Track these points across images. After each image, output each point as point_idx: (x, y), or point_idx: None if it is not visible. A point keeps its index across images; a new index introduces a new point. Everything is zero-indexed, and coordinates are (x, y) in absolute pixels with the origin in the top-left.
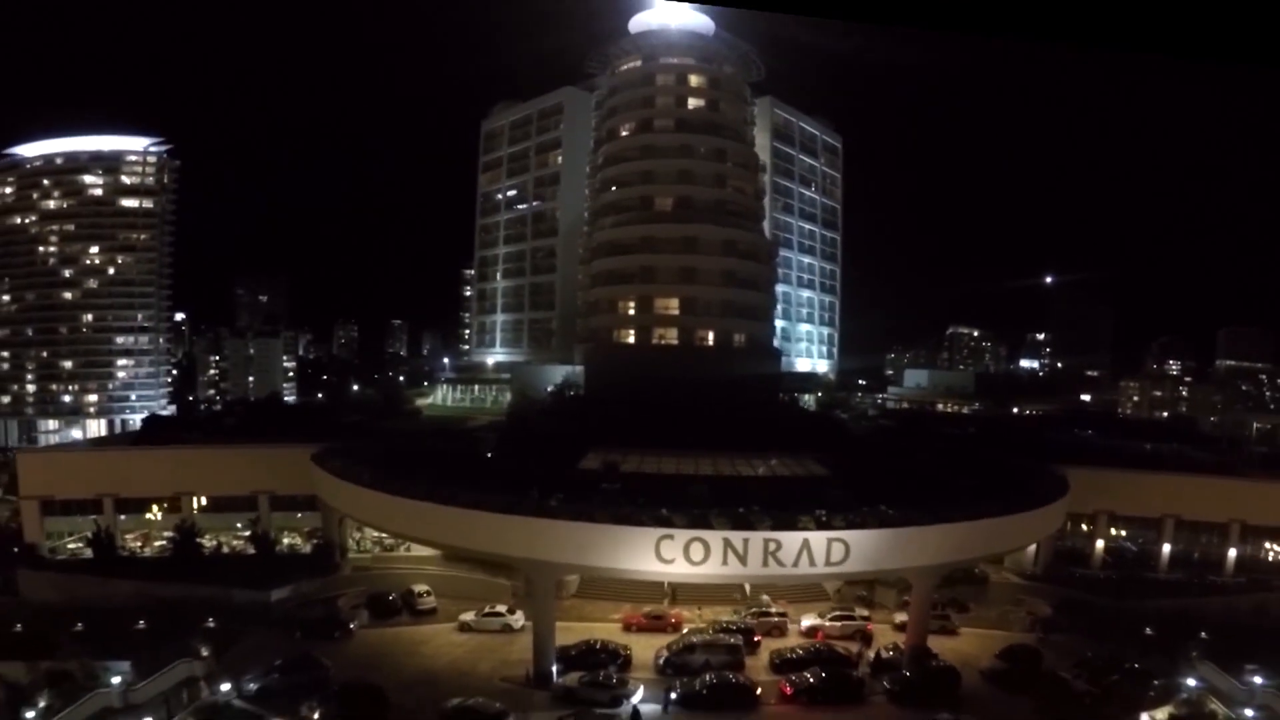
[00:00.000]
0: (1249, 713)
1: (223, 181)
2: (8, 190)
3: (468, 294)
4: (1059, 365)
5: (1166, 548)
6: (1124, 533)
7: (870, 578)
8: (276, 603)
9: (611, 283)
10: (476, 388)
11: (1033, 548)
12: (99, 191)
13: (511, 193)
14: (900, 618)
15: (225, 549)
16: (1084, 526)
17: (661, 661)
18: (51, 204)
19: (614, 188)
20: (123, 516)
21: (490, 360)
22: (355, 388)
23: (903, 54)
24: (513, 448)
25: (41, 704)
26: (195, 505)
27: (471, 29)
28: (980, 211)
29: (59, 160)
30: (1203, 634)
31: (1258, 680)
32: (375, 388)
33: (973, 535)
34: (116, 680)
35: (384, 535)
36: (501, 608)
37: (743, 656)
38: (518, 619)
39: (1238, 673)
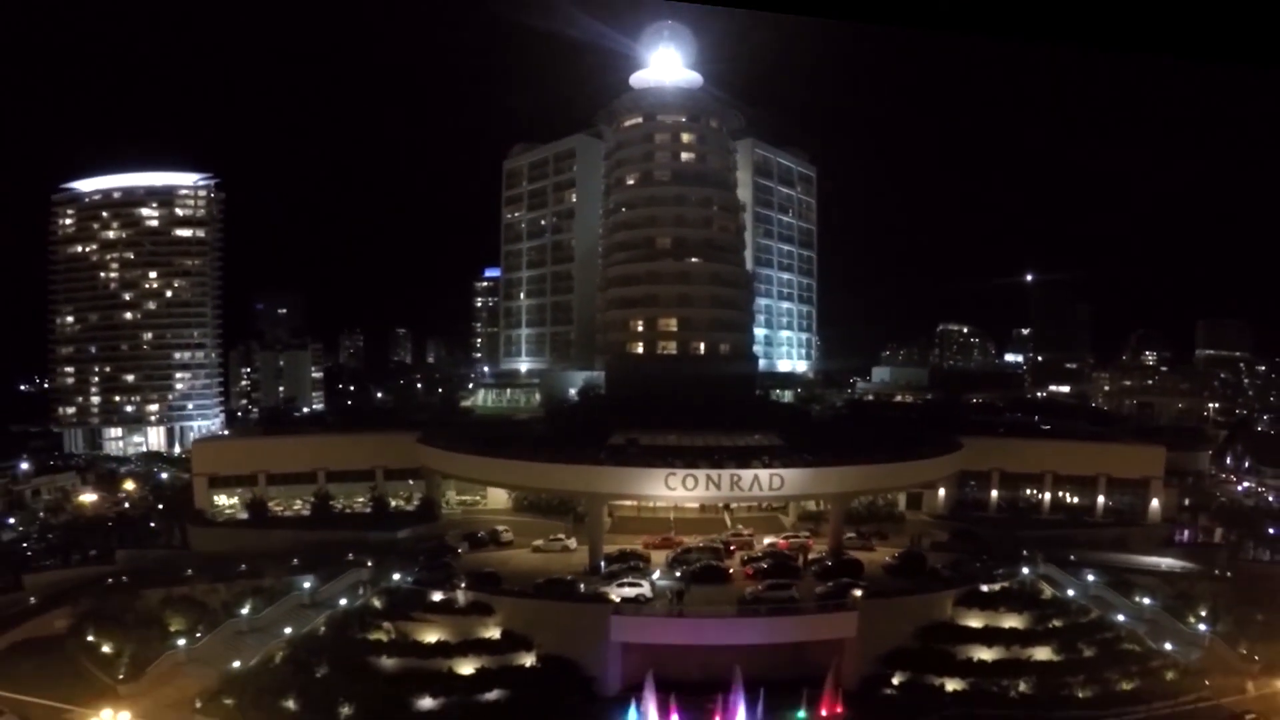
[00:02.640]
0: (1071, 592)
1: (243, 201)
2: (68, 221)
3: (478, 305)
4: (1039, 359)
5: (1047, 496)
6: (1026, 489)
7: (802, 499)
8: (401, 540)
9: (624, 307)
10: (509, 391)
11: (942, 495)
12: (155, 223)
13: (533, 224)
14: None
15: (349, 510)
16: (981, 481)
17: (669, 560)
18: (111, 234)
19: (623, 229)
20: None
21: (522, 368)
22: (379, 395)
23: (883, 58)
24: (559, 431)
25: (248, 607)
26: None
27: (466, 65)
28: (971, 212)
29: (116, 194)
30: (1071, 556)
31: (1090, 578)
32: (395, 394)
33: (866, 474)
34: (306, 585)
35: (465, 496)
36: (561, 535)
37: (723, 557)
38: (572, 543)
39: (1076, 573)
